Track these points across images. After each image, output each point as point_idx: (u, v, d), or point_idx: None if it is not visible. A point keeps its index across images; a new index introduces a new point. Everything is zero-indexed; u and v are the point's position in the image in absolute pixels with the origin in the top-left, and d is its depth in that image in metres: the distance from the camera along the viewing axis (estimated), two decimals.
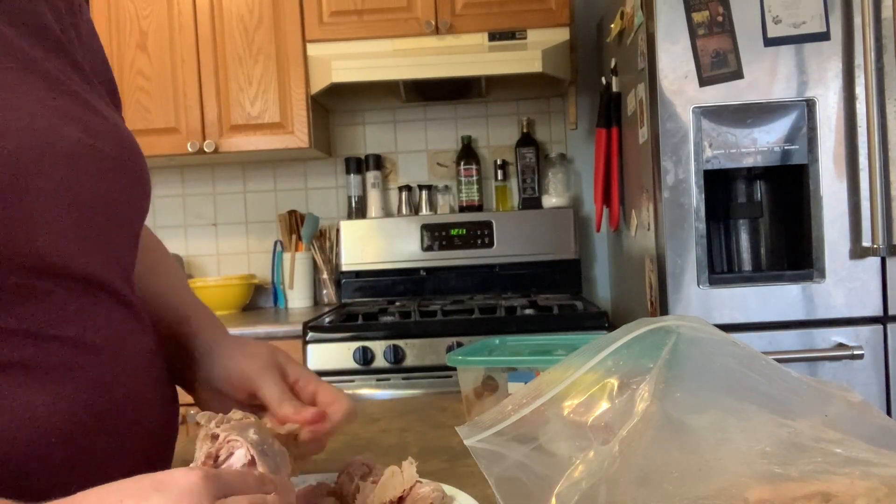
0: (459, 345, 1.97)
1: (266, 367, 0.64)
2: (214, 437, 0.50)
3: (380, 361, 1.98)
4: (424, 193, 2.62)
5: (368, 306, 2.28)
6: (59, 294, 0.53)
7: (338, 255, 2.60)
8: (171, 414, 0.66)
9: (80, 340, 0.54)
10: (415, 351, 1.99)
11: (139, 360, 0.60)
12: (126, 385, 0.58)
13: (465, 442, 0.49)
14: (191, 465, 0.49)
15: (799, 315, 1.68)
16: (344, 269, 2.56)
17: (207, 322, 0.71)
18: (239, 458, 0.49)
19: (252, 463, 0.49)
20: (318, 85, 2.30)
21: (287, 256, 2.56)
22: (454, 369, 0.86)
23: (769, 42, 1.67)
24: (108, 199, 0.58)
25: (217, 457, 0.49)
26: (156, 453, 0.62)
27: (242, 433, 0.50)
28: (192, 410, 0.61)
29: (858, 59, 1.64)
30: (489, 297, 2.42)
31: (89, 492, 0.40)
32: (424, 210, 2.62)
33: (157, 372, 0.64)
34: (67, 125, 0.55)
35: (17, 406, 0.50)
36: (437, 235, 2.52)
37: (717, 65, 1.67)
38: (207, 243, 2.71)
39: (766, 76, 1.67)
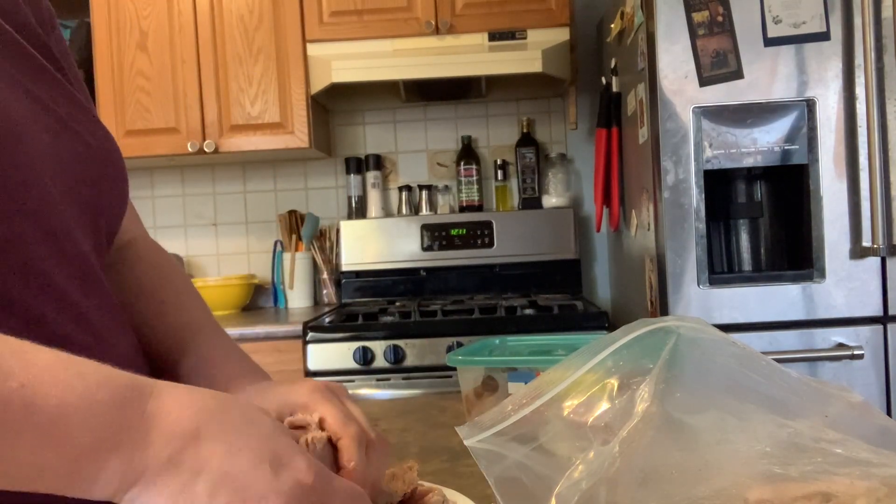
0: (459, 345, 1.96)
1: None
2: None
3: (380, 361, 1.98)
4: (424, 193, 2.62)
5: (368, 306, 2.27)
6: (55, 285, 0.52)
7: (338, 255, 2.60)
8: None
9: (69, 338, 0.53)
10: (415, 351, 1.99)
11: (124, 359, 0.60)
12: None
13: (465, 442, 0.49)
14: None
15: (799, 315, 1.68)
16: (344, 269, 2.56)
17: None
18: None
19: None
20: (318, 85, 2.30)
21: (287, 256, 2.56)
22: (454, 369, 0.86)
23: (769, 42, 1.66)
24: (90, 176, 0.58)
25: None
26: None
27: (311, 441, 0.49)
28: None
29: (858, 59, 1.64)
30: (489, 297, 2.42)
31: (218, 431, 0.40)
32: (424, 210, 2.62)
33: (138, 370, 0.63)
34: (45, 111, 0.55)
35: None
36: (437, 235, 2.52)
37: (717, 65, 1.67)
38: (207, 243, 2.71)
39: (766, 76, 1.67)
